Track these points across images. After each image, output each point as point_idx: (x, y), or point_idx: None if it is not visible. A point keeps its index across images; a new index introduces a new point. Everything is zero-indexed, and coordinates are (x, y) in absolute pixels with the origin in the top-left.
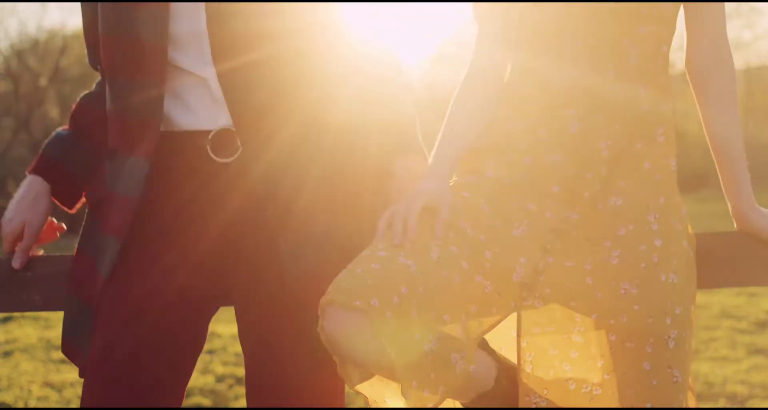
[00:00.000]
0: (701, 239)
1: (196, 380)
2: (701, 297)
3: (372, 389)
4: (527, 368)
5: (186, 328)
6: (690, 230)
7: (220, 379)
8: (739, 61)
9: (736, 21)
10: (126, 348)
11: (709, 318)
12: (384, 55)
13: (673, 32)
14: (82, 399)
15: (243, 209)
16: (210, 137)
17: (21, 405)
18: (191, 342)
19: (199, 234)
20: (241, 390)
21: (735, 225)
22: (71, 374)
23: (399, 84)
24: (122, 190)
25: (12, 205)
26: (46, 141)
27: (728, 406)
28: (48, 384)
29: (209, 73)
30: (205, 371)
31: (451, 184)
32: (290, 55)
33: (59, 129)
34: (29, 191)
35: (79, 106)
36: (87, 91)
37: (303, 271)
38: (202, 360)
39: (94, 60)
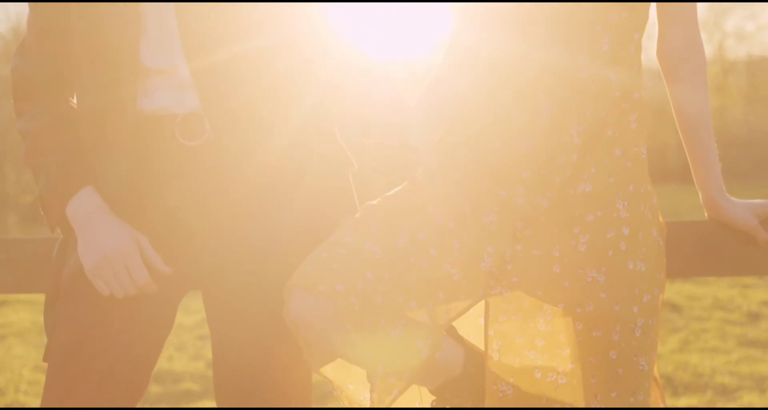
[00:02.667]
0: (671, 227)
1: (187, 365)
2: (693, 289)
3: (335, 373)
4: (494, 356)
5: (153, 312)
6: (660, 219)
7: (210, 365)
8: (742, 51)
9: (739, 11)
10: (90, 332)
11: (700, 309)
12: (349, 44)
13: (646, 20)
14: (46, 383)
15: (214, 194)
16: (178, 120)
17: (12, 388)
18: (158, 326)
19: (168, 218)
20: None
21: (706, 214)
22: None
23: (377, 75)
24: (106, 188)
25: (99, 235)
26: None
27: (716, 397)
28: (40, 369)
29: (176, 58)
30: (197, 357)
31: (421, 170)
32: (260, 42)
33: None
34: (97, 209)
35: (37, 135)
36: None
37: (272, 254)
38: (194, 345)
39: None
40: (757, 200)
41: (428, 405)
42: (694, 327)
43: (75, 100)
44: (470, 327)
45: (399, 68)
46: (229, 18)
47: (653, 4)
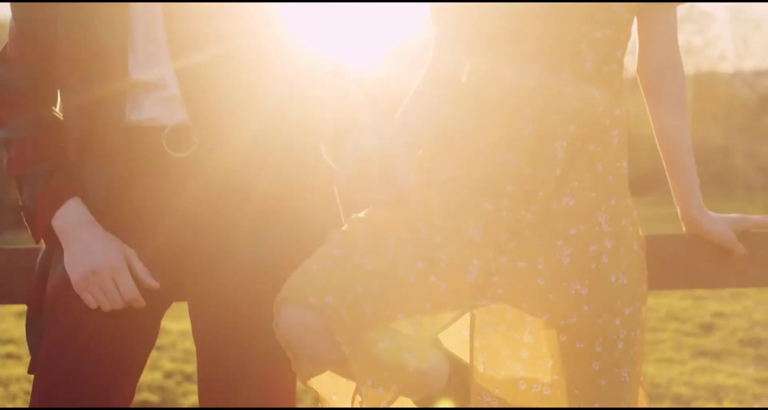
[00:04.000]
0: (651, 241)
1: (144, 376)
2: (648, 300)
3: (321, 385)
4: (480, 368)
5: (138, 323)
6: (640, 233)
7: (168, 376)
8: (690, 66)
9: (688, 26)
10: (76, 344)
11: (655, 320)
12: (335, 57)
13: (629, 37)
14: (32, 396)
15: (198, 205)
16: (166, 131)
17: None
18: (143, 337)
19: (152, 229)
20: (190, 386)
21: (684, 228)
22: (17, 369)
23: (350, 84)
24: (93, 199)
25: (87, 248)
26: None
27: (673, 407)
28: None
29: (165, 71)
30: (154, 367)
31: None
32: (248, 54)
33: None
34: (84, 221)
35: (20, 146)
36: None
37: (259, 268)
38: (150, 356)
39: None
40: (734, 215)
41: None
42: (650, 337)
43: (59, 110)
44: (454, 339)
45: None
46: (219, 29)
47: (635, 22)
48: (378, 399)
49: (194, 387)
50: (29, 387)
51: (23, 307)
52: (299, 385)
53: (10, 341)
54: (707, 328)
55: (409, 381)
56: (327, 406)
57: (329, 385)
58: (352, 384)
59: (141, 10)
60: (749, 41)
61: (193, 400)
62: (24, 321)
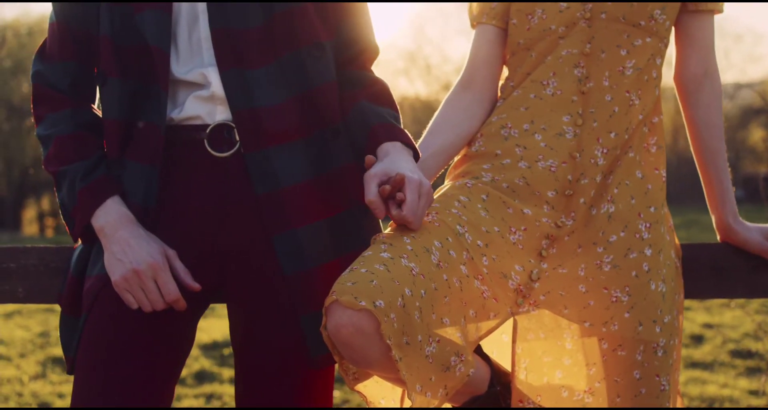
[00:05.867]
0: (686, 249)
1: None
2: None
3: (367, 389)
4: (521, 374)
5: (177, 324)
6: (677, 241)
7: None
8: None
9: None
10: (117, 345)
11: None
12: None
13: (667, 45)
14: (73, 396)
15: (240, 207)
16: (207, 131)
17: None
18: (182, 338)
19: (194, 231)
20: (184, 390)
21: (718, 237)
22: (8, 370)
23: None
24: (132, 197)
25: (128, 248)
26: (80, 183)
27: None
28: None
29: (208, 70)
30: None
31: (447, 188)
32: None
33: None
34: (125, 219)
35: (59, 142)
36: (44, 129)
37: (300, 270)
38: None
39: (65, 52)
40: None
41: None
42: None
43: (97, 108)
44: (493, 344)
45: None
46: (265, 27)
47: (673, 31)
48: (427, 404)
49: (187, 391)
50: (22, 389)
51: (12, 307)
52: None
53: None
54: (697, 339)
55: (455, 386)
56: (375, 408)
57: (375, 389)
58: (397, 389)
59: (183, 9)
60: (730, 55)
61: (187, 404)
62: (10, 323)
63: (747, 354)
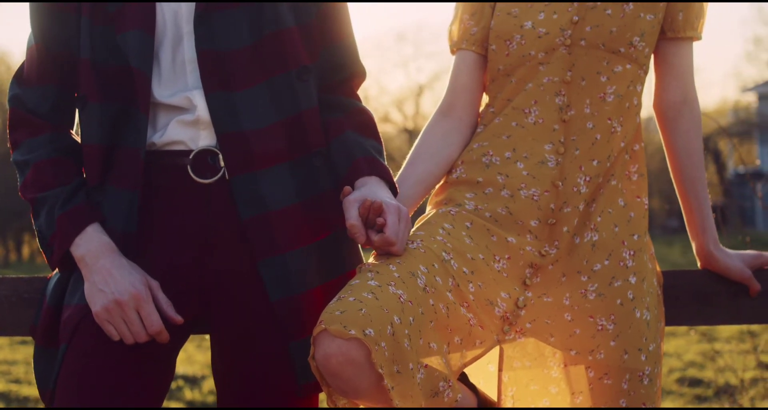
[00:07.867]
0: (667, 276)
1: None
2: None
3: None
4: (508, 403)
5: (158, 354)
6: (658, 268)
7: None
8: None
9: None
10: (98, 375)
11: None
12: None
13: (647, 72)
14: None
15: (223, 233)
16: (191, 156)
17: None
18: (164, 367)
19: (176, 259)
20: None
21: (699, 264)
22: None
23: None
24: (113, 224)
25: (110, 278)
26: (58, 211)
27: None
28: None
29: (193, 94)
30: None
31: (430, 216)
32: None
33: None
34: (106, 248)
35: (37, 168)
36: (22, 155)
37: (286, 296)
38: None
39: (44, 75)
40: (749, 251)
41: None
42: None
43: (75, 133)
44: (480, 374)
45: None
46: (254, 47)
47: (652, 58)
48: None
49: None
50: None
51: None
52: None
53: None
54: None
55: None
56: None
57: None
58: None
59: (168, 29)
60: None
61: None
62: None
63: (693, 382)
